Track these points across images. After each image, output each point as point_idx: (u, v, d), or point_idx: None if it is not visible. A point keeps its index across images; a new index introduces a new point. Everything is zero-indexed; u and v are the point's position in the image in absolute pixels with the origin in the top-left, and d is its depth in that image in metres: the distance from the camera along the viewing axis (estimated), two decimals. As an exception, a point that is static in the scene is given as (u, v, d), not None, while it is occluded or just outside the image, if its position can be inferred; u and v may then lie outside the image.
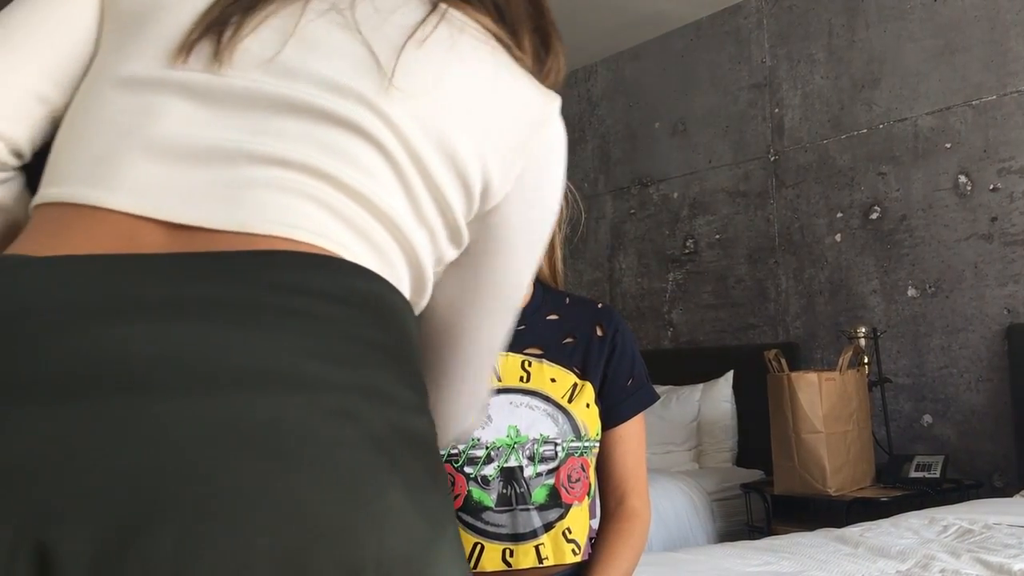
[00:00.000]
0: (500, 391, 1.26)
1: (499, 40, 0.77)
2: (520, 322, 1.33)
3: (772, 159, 3.99)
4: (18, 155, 0.73)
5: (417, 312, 0.75)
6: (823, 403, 3.03)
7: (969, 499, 2.94)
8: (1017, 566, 1.88)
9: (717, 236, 4.20)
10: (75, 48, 0.73)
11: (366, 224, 0.67)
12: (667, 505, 3.20)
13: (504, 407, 1.25)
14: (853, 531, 2.35)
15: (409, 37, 0.71)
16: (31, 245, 0.64)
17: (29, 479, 0.50)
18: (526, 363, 1.28)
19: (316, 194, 0.65)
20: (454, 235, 0.74)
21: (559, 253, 1.40)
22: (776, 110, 3.98)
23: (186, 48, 0.68)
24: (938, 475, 3.04)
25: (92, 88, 0.71)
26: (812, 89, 3.84)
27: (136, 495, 0.50)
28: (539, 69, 0.80)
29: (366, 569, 0.53)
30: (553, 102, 0.78)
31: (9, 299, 0.58)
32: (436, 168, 0.70)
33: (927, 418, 3.43)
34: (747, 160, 4.09)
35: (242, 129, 0.67)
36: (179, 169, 0.65)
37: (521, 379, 1.27)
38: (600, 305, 1.39)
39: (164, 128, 0.66)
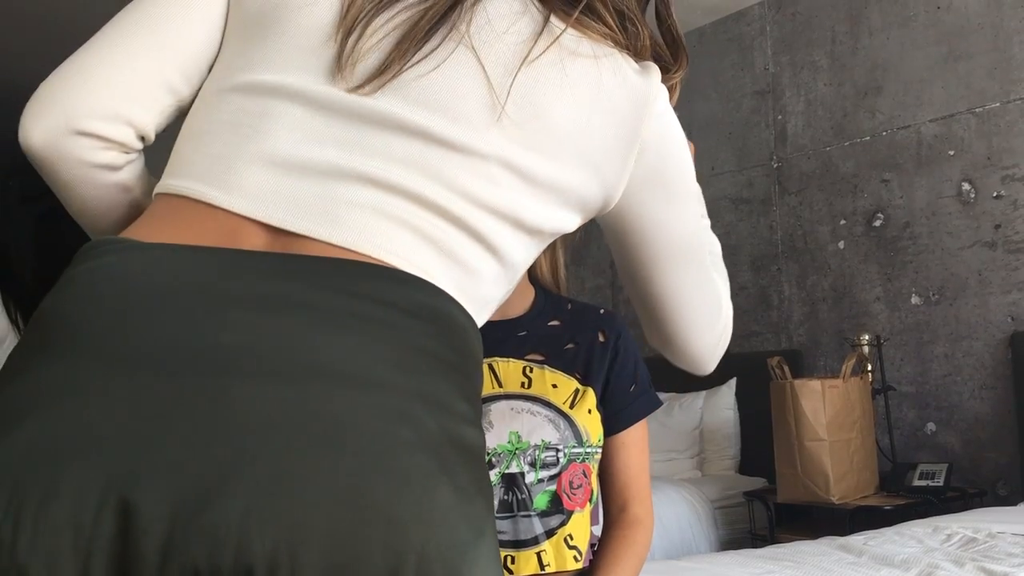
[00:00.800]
0: (501, 397, 1.25)
1: (615, 43, 0.79)
2: (521, 328, 1.32)
3: (775, 166, 3.98)
4: (143, 139, 0.79)
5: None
6: (826, 411, 3.02)
7: (973, 508, 2.92)
8: (1021, 575, 1.87)
9: (720, 243, 4.18)
10: (204, 43, 0.78)
11: (456, 244, 0.71)
12: (669, 513, 3.19)
13: (505, 413, 1.24)
14: (856, 539, 2.34)
15: (523, 60, 0.73)
16: (146, 231, 0.70)
17: (123, 442, 0.57)
18: (527, 369, 1.28)
19: (412, 220, 0.69)
20: (564, 224, 0.79)
21: (561, 259, 1.40)
22: (779, 117, 3.98)
23: (310, 55, 0.71)
24: (942, 483, 3.02)
25: (215, 86, 0.75)
26: (815, 96, 3.84)
27: (213, 467, 0.56)
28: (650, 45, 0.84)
29: (408, 558, 0.57)
30: (652, 74, 0.81)
31: (124, 279, 0.65)
32: (538, 189, 0.74)
33: (931, 426, 3.41)
34: (750, 167, 4.08)
35: (353, 145, 0.70)
36: (290, 179, 0.69)
37: (523, 385, 1.26)
38: (602, 311, 1.39)
39: (279, 136, 0.70)
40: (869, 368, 3.32)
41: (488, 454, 1.22)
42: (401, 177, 0.69)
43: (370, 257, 0.67)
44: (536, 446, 1.23)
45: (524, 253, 0.77)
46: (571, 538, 1.25)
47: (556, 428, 1.25)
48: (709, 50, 4.29)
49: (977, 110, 3.34)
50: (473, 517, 0.61)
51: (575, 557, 1.25)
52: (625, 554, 1.28)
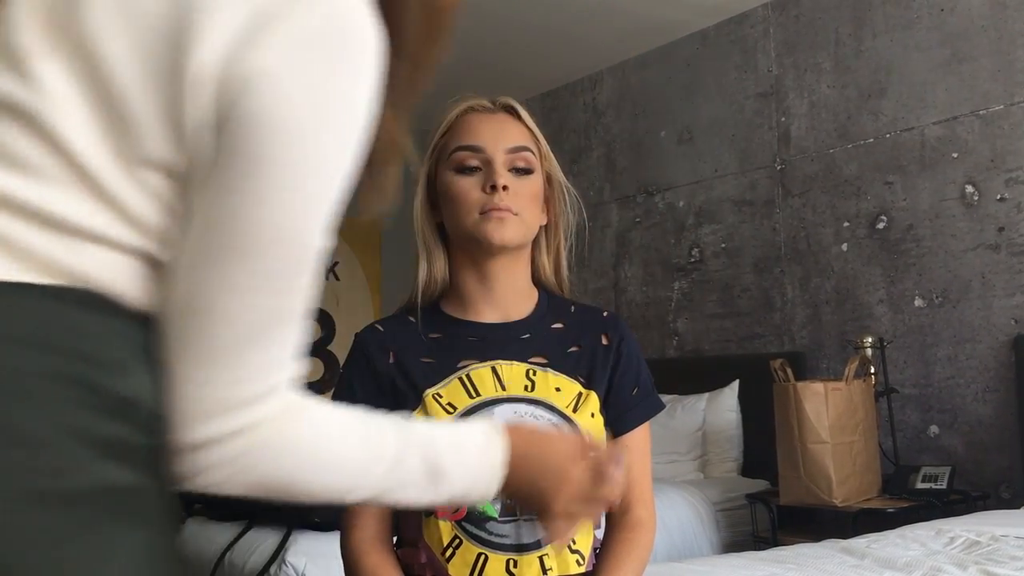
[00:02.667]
0: (505, 400, 1.25)
1: None
2: (525, 330, 1.32)
3: (778, 168, 3.98)
4: None
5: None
6: (829, 413, 3.02)
7: (976, 510, 2.92)
8: (1025, 579, 1.87)
9: (723, 245, 4.19)
10: None
11: None
12: (672, 515, 3.19)
13: (509, 416, 1.24)
14: (859, 542, 2.34)
15: None
16: None
17: None
18: (531, 372, 1.28)
19: None
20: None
21: (564, 261, 1.40)
22: (782, 119, 3.97)
23: None
24: (945, 486, 3.02)
25: None
26: (819, 98, 3.84)
27: None
28: None
29: None
30: None
31: None
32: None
33: (934, 429, 3.41)
34: (753, 169, 4.08)
35: None
36: None
37: (526, 388, 1.26)
38: (606, 313, 1.38)
39: None
40: (872, 370, 3.32)
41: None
42: None
43: None
44: (539, 449, 1.23)
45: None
46: (573, 542, 1.24)
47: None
48: (712, 52, 4.28)
49: (981, 112, 3.33)
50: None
51: (577, 561, 1.25)
52: (628, 557, 1.27)
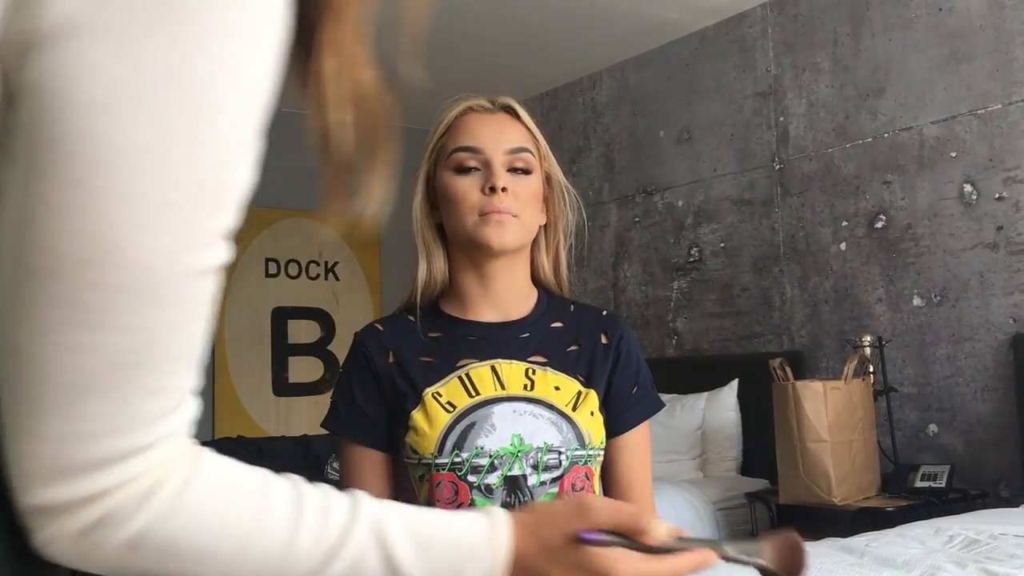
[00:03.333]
0: (504, 399, 1.25)
1: None
2: (524, 330, 1.32)
3: (777, 168, 3.98)
4: None
5: None
6: (828, 412, 3.02)
7: (975, 509, 2.92)
8: (1024, 577, 1.87)
9: (722, 244, 4.19)
10: None
11: None
12: (671, 514, 3.19)
13: (508, 415, 1.24)
14: (858, 541, 2.34)
15: None
16: None
17: None
18: (530, 371, 1.28)
19: None
20: None
21: (563, 260, 1.40)
22: (781, 119, 3.98)
23: None
24: (944, 485, 3.02)
25: None
26: (817, 98, 3.84)
27: None
28: None
29: None
30: None
31: None
32: None
33: (933, 427, 3.41)
34: (752, 168, 4.09)
35: None
36: None
37: (525, 387, 1.26)
38: (605, 312, 1.39)
39: None
40: (871, 369, 3.32)
41: (491, 456, 1.22)
42: None
43: None
44: (538, 448, 1.23)
45: None
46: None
47: (558, 430, 1.25)
48: (711, 52, 4.29)
49: (979, 112, 3.34)
50: None
51: (577, 559, 1.25)
52: (627, 556, 1.28)
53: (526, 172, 1.30)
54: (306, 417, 5.03)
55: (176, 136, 0.45)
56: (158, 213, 0.46)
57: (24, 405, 0.48)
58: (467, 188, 1.27)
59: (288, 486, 0.58)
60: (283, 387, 5.17)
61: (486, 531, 0.65)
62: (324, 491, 0.60)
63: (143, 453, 0.51)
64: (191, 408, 0.53)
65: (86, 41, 0.43)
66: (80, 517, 0.50)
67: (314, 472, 2.93)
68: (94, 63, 0.43)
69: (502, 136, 1.29)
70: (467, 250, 1.30)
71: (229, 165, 0.48)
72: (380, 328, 1.33)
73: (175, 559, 0.54)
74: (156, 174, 0.45)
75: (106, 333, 0.47)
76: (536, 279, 1.38)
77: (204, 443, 0.57)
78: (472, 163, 1.28)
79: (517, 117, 1.33)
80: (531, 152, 1.31)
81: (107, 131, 0.44)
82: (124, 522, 0.51)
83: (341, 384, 1.31)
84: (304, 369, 5.23)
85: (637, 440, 1.34)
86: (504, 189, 1.25)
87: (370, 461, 1.27)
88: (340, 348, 5.13)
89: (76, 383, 0.48)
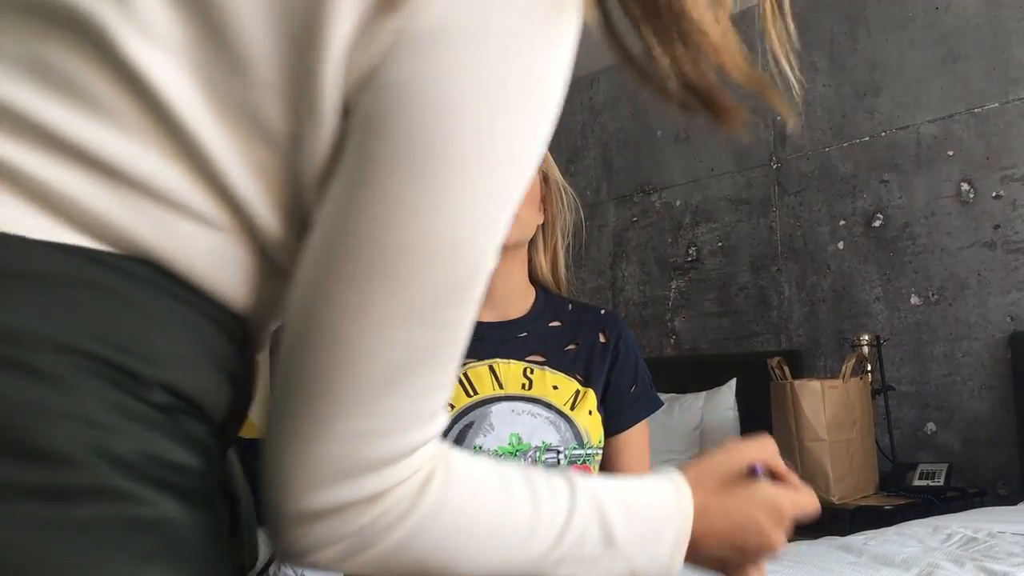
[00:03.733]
0: (502, 399, 1.25)
1: None
2: (521, 329, 1.33)
3: (774, 167, 3.99)
4: None
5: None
6: (826, 411, 3.02)
7: (973, 507, 2.93)
8: (1021, 574, 1.87)
9: (720, 244, 4.19)
10: None
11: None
12: (670, 513, 3.19)
13: (506, 415, 1.24)
14: (857, 539, 2.34)
15: None
16: None
17: None
18: (528, 371, 1.28)
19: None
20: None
21: (561, 259, 1.40)
22: (778, 118, 3.98)
23: None
24: (942, 483, 3.03)
25: None
26: (814, 97, 3.85)
27: None
28: None
29: None
30: None
31: None
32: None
33: (930, 426, 3.42)
34: (749, 168, 4.09)
35: None
36: None
37: (523, 386, 1.27)
38: (603, 311, 1.39)
39: None
40: (869, 368, 3.33)
41: (489, 456, 1.22)
42: None
43: None
44: (537, 448, 1.23)
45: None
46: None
47: (557, 430, 1.25)
48: (708, 51, 4.29)
49: (976, 110, 3.34)
50: None
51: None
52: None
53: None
54: (304, 418, 5.02)
55: (519, 140, 0.48)
56: (490, 212, 0.48)
57: (324, 405, 0.49)
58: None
59: (518, 472, 0.59)
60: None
61: (672, 493, 0.67)
62: (542, 472, 0.61)
63: (420, 450, 0.52)
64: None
65: (457, 45, 0.45)
66: (358, 518, 0.50)
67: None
68: (464, 66, 0.45)
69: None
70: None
71: (528, 171, 0.50)
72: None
73: (437, 554, 0.54)
74: (498, 175, 0.48)
75: (425, 328, 0.49)
76: (534, 278, 1.38)
77: None
78: (470, 163, 1.28)
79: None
80: (529, 152, 1.31)
81: (467, 131, 0.46)
82: (400, 520, 0.52)
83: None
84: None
85: (636, 439, 1.34)
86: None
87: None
88: (338, 348, 5.11)
89: (385, 378, 0.48)
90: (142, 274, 0.46)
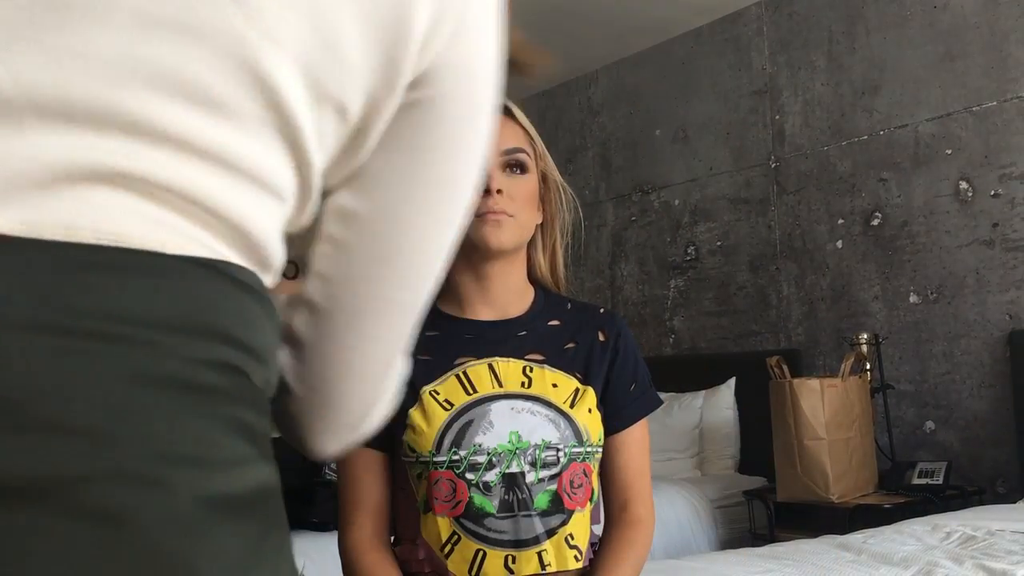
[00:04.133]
0: (502, 397, 1.25)
1: None
2: (521, 327, 1.33)
3: (773, 166, 3.99)
4: None
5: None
6: (825, 410, 3.03)
7: (972, 506, 2.93)
8: (1020, 572, 1.88)
9: (718, 243, 4.20)
10: None
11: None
12: (669, 512, 3.20)
13: (506, 413, 1.24)
14: (856, 538, 2.35)
15: None
16: None
17: None
18: (527, 369, 1.28)
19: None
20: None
21: (560, 258, 1.40)
22: (777, 117, 3.98)
23: None
24: (941, 482, 3.03)
25: None
26: (812, 96, 3.85)
27: None
28: None
29: None
30: None
31: None
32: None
33: (929, 424, 3.42)
34: (748, 167, 4.09)
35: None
36: None
37: (523, 385, 1.27)
38: (602, 310, 1.39)
39: None
40: (868, 367, 3.33)
41: (489, 454, 1.22)
42: None
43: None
44: (536, 446, 1.24)
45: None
46: (572, 537, 1.25)
47: (556, 427, 1.25)
48: (706, 50, 4.29)
49: (974, 109, 3.34)
50: None
51: (576, 556, 1.25)
52: (626, 553, 1.28)
53: (522, 172, 1.30)
54: (304, 418, 5.03)
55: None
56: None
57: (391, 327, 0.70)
58: (463, 188, 1.27)
59: None
60: (281, 388, 5.17)
61: None
62: None
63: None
64: None
65: (488, 30, 0.61)
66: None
67: (312, 472, 2.94)
68: (491, 46, 0.62)
69: (498, 137, 1.29)
70: (464, 250, 1.30)
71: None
72: (378, 327, 1.33)
73: None
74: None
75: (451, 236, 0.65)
76: (533, 278, 1.38)
77: None
78: (468, 163, 1.28)
79: (513, 117, 1.33)
80: (526, 152, 1.31)
81: (490, 95, 0.62)
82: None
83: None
84: (301, 370, 5.22)
85: (635, 437, 1.34)
86: (499, 191, 1.26)
87: (368, 461, 1.27)
88: (337, 348, 5.12)
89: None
90: (250, 281, 0.52)
